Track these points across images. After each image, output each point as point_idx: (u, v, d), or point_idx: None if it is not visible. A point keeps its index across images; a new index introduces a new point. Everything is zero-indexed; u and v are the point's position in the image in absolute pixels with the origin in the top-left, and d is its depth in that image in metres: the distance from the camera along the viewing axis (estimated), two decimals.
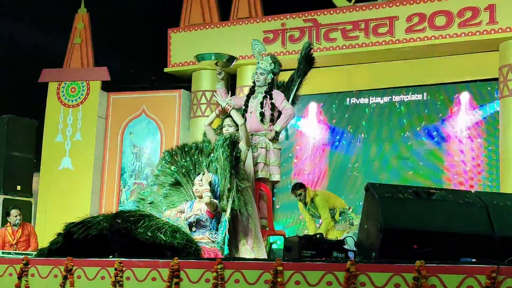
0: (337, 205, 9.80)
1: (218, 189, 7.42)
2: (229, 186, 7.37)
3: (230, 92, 9.68)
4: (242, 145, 7.69)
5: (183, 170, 7.87)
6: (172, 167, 7.93)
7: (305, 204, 10.08)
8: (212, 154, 7.75)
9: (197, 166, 7.82)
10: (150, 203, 7.94)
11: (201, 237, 7.11)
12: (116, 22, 14.03)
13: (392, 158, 12.26)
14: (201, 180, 7.34)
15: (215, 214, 7.25)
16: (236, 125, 7.87)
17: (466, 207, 5.67)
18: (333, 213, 9.69)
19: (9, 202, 12.18)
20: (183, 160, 7.90)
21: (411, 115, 12.22)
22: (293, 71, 8.80)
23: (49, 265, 6.54)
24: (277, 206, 12.52)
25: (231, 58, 8.72)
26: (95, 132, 13.65)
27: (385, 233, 5.33)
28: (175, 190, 7.94)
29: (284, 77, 8.99)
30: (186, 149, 7.96)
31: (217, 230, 7.27)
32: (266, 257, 7.52)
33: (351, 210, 9.69)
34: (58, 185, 13.46)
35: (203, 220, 7.20)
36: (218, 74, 8.59)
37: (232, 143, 7.48)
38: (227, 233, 7.25)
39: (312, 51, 8.84)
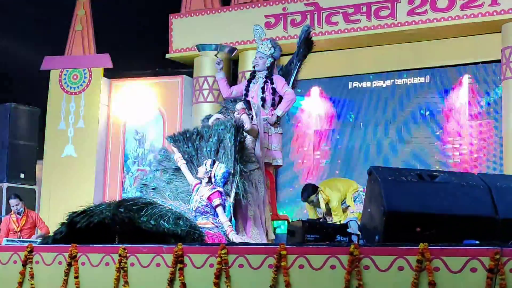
0: (348, 192, 9.45)
1: (226, 175, 7.41)
2: (232, 171, 7.40)
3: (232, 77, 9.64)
4: (247, 134, 7.72)
5: (186, 156, 7.88)
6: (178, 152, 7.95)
7: (317, 208, 9.53)
8: (211, 139, 7.75)
9: (198, 151, 7.83)
10: (153, 189, 7.96)
11: (205, 222, 7.12)
12: (117, 8, 13.99)
13: (395, 142, 12.24)
14: (204, 163, 7.36)
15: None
16: (249, 108, 7.90)
17: (469, 190, 5.67)
18: (345, 206, 9.40)
19: (13, 190, 12.19)
20: (185, 146, 7.91)
21: (413, 98, 12.19)
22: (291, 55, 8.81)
23: (54, 252, 6.56)
24: (280, 190, 12.52)
25: (232, 49, 8.71)
26: (97, 119, 13.64)
27: (389, 216, 5.33)
28: (178, 175, 7.96)
29: (285, 61, 8.99)
30: (187, 135, 7.96)
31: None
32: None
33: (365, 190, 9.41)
34: (61, 173, 13.47)
35: (205, 206, 7.21)
36: (217, 64, 8.60)
37: (236, 128, 7.50)
38: (232, 217, 7.28)
39: (311, 34, 8.84)
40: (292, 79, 8.64)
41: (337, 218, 9.19)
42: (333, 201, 9.25)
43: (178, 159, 7.81)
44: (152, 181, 8.05)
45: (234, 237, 6.95)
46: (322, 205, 9.29)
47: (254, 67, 8.58)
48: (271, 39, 8.83)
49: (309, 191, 9.41)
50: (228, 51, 8.64)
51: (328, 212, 9.30)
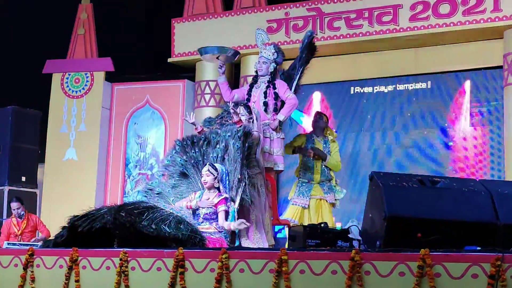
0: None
1: (226, 179, 7.42)
2: (239, 176, 7.40)
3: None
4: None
5: (192, 161, 7.90)
6: (184, 157, 7.96)
7: (313, 136, 9.43)
8: (218, 145, 7.76)
9: (205, 157, 7.84)
10: (157, 194, 7.96)
11: (208, 227, 7.12)
12: (120, 12, 14.02)
13: (396, 147, 12.24)
14: (208, 170, 7.36)
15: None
16: (249, 113, 7.92)
17: (471, 195, 5.67)
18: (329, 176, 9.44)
19: (14, 193, 12.20)
20: (193, 151, 7.92)
21: (415, 104, 12.19)
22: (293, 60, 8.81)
23: (54, 255, 6.56)
24: (282, 196, 12.50)
25: (235, 53, 8.68)
26: (99, 123, 13.65)
27: (390, 222, 5.33)
28: (183, 180, 7.96)
29: (287, 66, 8.98)
30: (195, 140, 7.98)
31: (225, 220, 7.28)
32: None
33: (338, 182, 9.50)
34: (62, 176, 13.47)
35: (213, 213, 7.21)
36: (219, 67, 8.58)
37: (245, 134, 7.51)
38: None
39: (314, 39, 8.85)
40: (294, 84, 8.64)
41: (337, 165, 9.29)
42: (336, 155, 9.33)
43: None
44: (157, 186, 8.05)
45: (232, 226, 7.05)
46: (326, 133, 9.40)
47: (256, 71, 8.58)
48: (275, 44, 8.83)
49: (326, 116, 9.63)
50: (232, 54, 8.61)
51: (322, 145, 9.33)
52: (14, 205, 10.73)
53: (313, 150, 9.23)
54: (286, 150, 9.41)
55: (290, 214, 9.21)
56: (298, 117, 12.52)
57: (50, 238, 8.94)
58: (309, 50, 8.80)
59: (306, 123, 12.78)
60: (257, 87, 8.50)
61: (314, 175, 9.25)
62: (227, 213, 7.24)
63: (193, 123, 8.21)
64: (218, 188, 7.39)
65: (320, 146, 9.32)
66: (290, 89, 8.48)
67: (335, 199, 9.32)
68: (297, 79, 8.70)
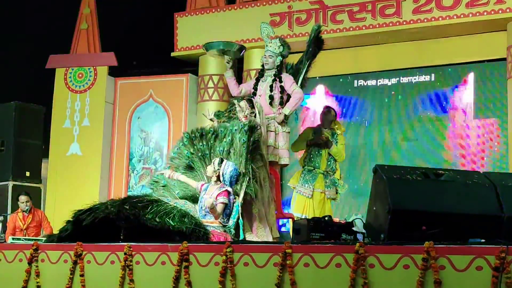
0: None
1: (234, 174, 7.41)
2: (244, 171, 7.41)
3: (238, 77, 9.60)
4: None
5: (199, 154, 7.91)
6: (191, 149, 7.98)
7: (321, 128, 9.52)
8: (224, 139, 7.77)
9: (212, 150, 7.85)
10: (163, 186, 7.98)
11: (212, 221, 7.13)
12: (123, 6, 14.00)
13: (400, 140, 12.23)
14: (213, 162, 7.39)
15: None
16: (251, 107, 7.93)
17: (475, 188, 5.67)
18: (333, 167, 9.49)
19: (19, 188, 12.20)
20: (200, 144, 7.94)
21: (418, 97, 12.17)
22: (302, 54, 8.79)
23: (59, 250, 6.57)
24: (286, 189, 12.50)
25: (241, 48, 8.67)
26: (103, 118, 13.66)
27: (394, 215, 5.33)
28: (189, 173, 7.97)
29: (291, 59, 8.97)
30: (203, 133, 8.00)
31: (229, 215, 7.29)
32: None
33: (342, 177, 9.58)
34: (66, 171, 13.49)
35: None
36: (227, 62, 8.58)
37: (251, 129, 7.52)
38: (240, 217, 7.29)
39: (321, 33, 8.85)
40: (300, 78, 8.65)
41: (341, 155, 9.41)
42: (342, 146, 9.43)
43: (172, 174, 7.80)
44: (163, 178, 8.07)
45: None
46: (334, 126, 9.51)
47: (262, 65, 8.57)
48: (280, 37, 8.83)
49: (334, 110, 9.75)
50: (237, 49, 8.60)
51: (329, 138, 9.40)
52: (23, 198, 10.78)
53: (322, 136, 9.30)
54: (297, 145, 9.47)
55: (299, 208, 9.19)
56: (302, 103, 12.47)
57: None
58: (316, 43, 8.81)
59: (310, 103, 12.76)
60: (263, 81, 8.50)
61: (321, 161, 9.26)
62: (226, 206, 7.23)
63: (211, 119, 8.26)
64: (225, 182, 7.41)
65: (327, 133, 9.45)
66: (297, 83, 8.48)
67: (337, 193, 9.34)
68: (303, 73, 8.70)
